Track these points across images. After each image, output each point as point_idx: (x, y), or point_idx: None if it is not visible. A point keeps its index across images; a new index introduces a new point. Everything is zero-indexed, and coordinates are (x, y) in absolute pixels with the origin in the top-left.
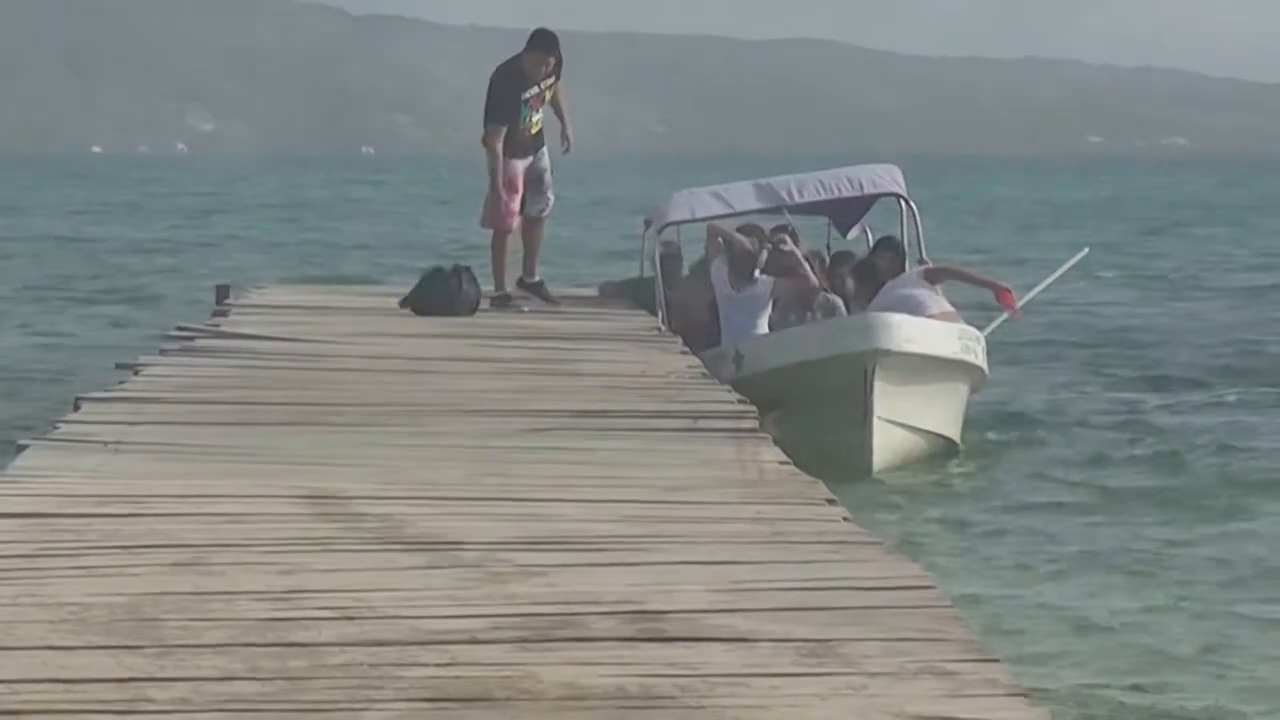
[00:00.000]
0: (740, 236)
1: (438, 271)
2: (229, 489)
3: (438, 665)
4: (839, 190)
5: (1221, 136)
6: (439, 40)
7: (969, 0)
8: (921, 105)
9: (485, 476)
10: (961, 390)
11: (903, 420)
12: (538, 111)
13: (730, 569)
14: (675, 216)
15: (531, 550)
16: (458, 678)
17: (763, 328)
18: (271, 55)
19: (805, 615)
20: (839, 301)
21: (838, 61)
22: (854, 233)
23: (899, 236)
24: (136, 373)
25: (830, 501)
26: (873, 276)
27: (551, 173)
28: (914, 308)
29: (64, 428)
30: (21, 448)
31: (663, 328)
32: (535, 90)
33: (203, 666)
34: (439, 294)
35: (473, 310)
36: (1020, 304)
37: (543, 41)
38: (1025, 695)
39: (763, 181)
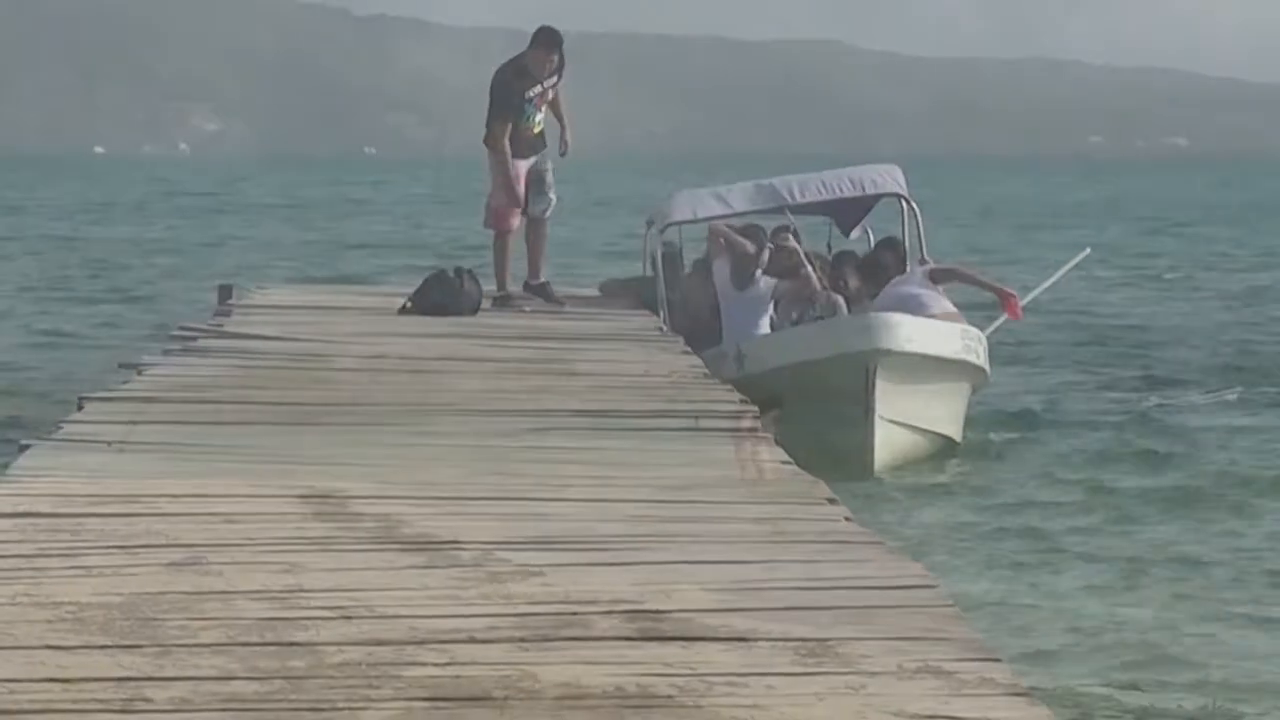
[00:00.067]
0: (741, 238)
1: (440, 273)
2: (231, 489)
3: (436, 665)
4: (840, 190)
5: (1222, 136)
6: (442, 41)
7: (973, 1)
8: (923, 105)
9: (486, 476)
10: (963, 390)
11: (904, 420)
12: (540, 111)
13: (731, 568)
14: (677, 216)
15: (532, 550)
16: (456, 677)
17: (764, 327)
18: (274, 56)
19: (806, 615)
20: (841, 301)
21: (839, 61)
22: (856, 233)
23: (900, 237)
24: (139, 372)
25: (832, 501)
26: (876, 274)
27: (553, 173)
28: (916, 307)
29: (67, 427)
30: (25, 447)
31: (664, 327)
32: (539, 89)
33: (201, 666)
34: (441, 294)
35: (475, 310)
36: (1022, 304)
37: (547, 38)
38: (1027, 695)
39: (764, 182)
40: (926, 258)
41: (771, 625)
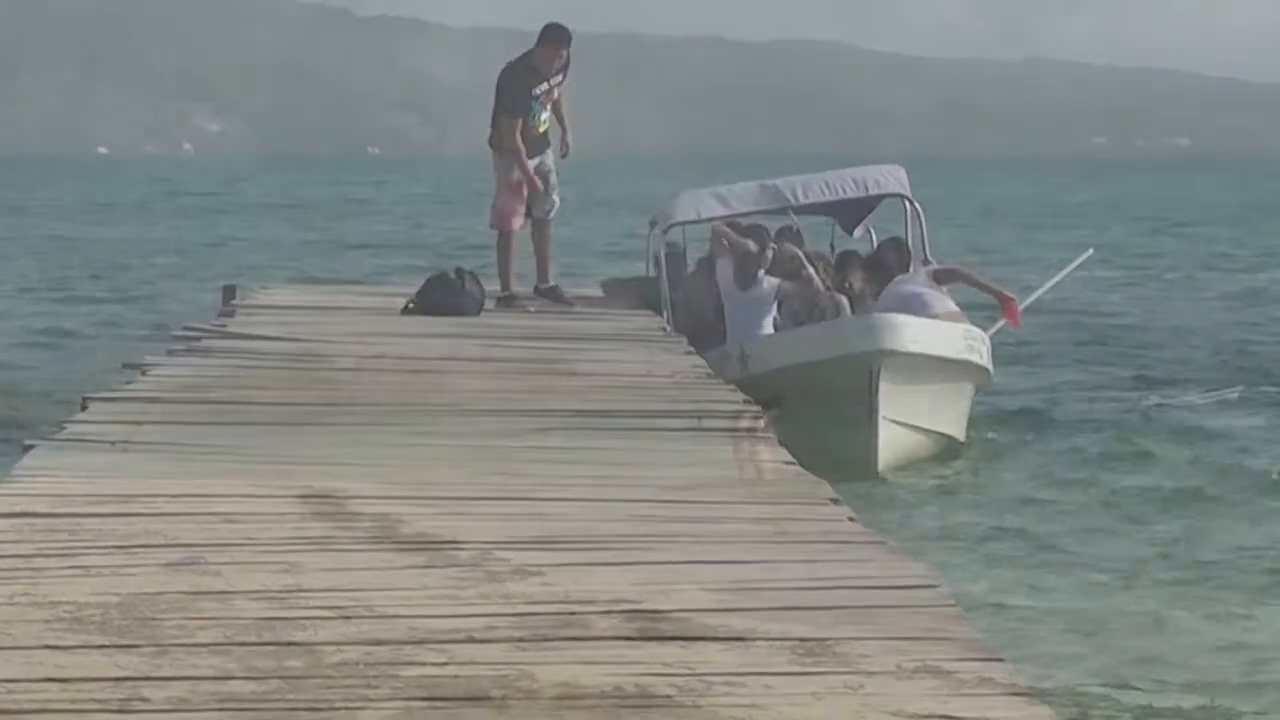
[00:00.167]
0: (744, 240)
1: (442, 274)
2: (231, 489)
3: (434, 665)
4: (843, 191)
5: (1222, 137)
6: (445, 41)
7: (974, 2)
8: (924, 106)
9: (488, 476)
10: (966, 390)
11: (907, 420)
12: (546, 110)
13: (733, 568)
14: (680, 217)
15: (531, 550)
16: (454, 677)
17: (767, 328)
18: (276, 56)
19: (807, 615)
20: (844, 301)
21: (840, 62)
22: (858, 232)
23: (903, 237)
24: (143, 373)
25: (835, 501)
26: (880, 274)
27: (556, 173)
28: (919, 306)
29: (71, 427)
30: (28, 447)
31: (668, 327)
32: (545, 86)
33: (199, 666)
34: (444, 295)
35: (478, 310)
36: (1025, 304)
37: (555, 35)
38: (1029, 694)
39: (768, 182)
40: (929, 258)
41: (772, 625)
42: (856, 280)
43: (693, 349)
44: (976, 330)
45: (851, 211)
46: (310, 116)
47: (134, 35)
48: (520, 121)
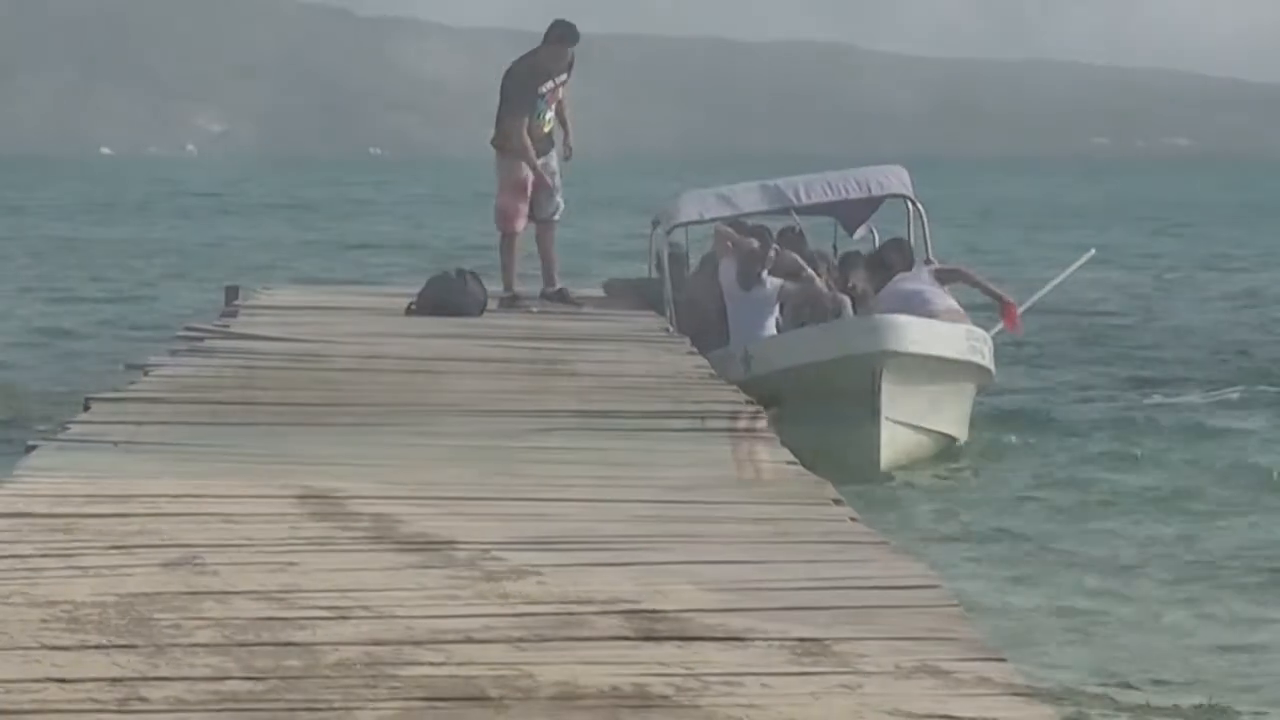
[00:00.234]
0: (747, 240)
1: (445, 274)
2: (232, 489)
3: (433, 665)
4: (846, 192)
5: (1223, 137)
6: (448, 42)
7: (974, 2)
8: (924, 106)
9: (489, 477)
10: (968, 391)
11: (910, 421)
12: (551, 109)
13: (735, 568)
14: (684, 217)
15: (533, 550)
16: (453, 677)
17: (770, 328)
18: (279, 57)
19: (810, 615)
20: (847, 302)
21: (841, 63)
22: (860, 232)
23: (906, 238)
24: (146, 373)
25: (837, 501)
26: (883, 273)
27: (560, 175)
28: (920, 303)
29: (74, 428)
30: (31, 448)
31: (670, 328)
32: (550, 85)
33: (197, 666)
34: (447, 295)
35: (480, 311)
36: (1027, 305)
37: (562, 32)
38: (1031, 694)
39: (770, 183)
40: (932, 258)
41: (773, 625)
42: (860, 281)
43: (695, 349)
44: (979, 331)
45: (854, 212)
46: (312, 117)
47: (136, 36)
48: (526, 120)
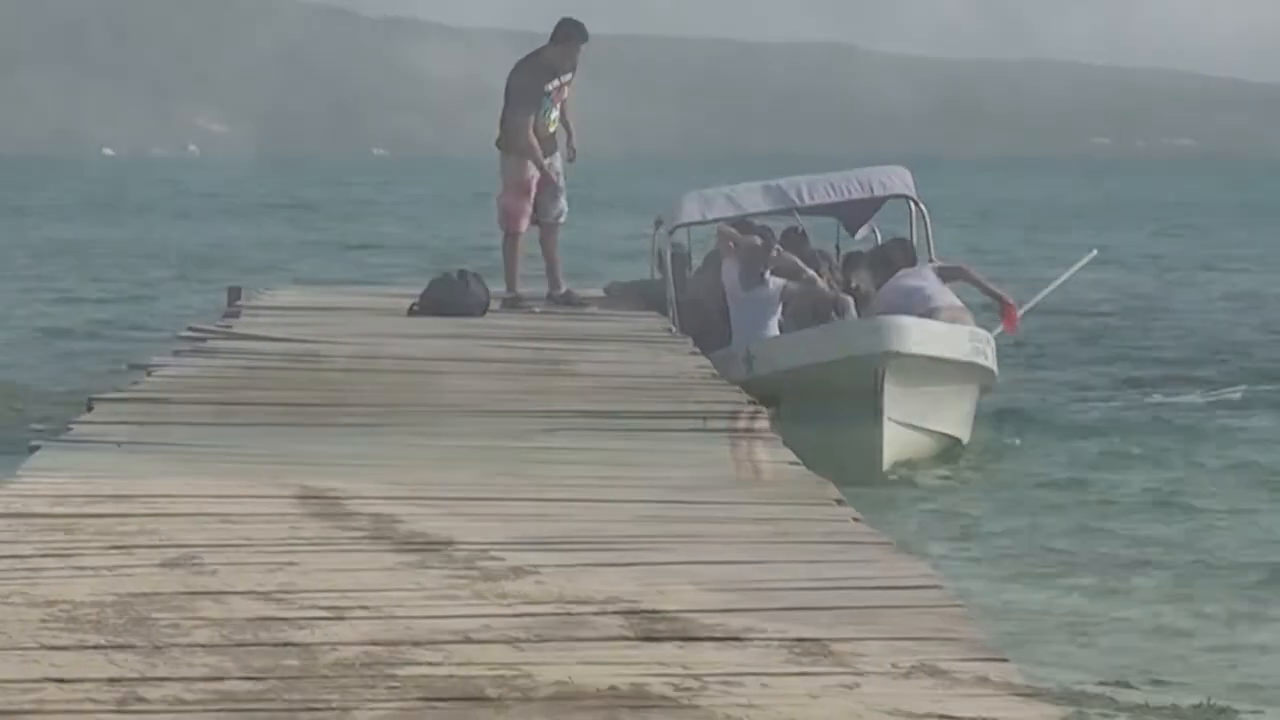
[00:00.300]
0: (750, 238)
1: (447, 275)
2: (233, 489)
3: (431, 664)
4: (849, 192)
5: (1224, 137)
6: (452, 43)
7: (974, 3)
8: (926, 107)
9: (493, 477)
10: (971, 392)
11: (912, 422)
12: (556, 108)
13: (738, 569)
14: (687, 218)
15: (536, 551)
16: (451, 677)
17: (773, 329)
18: (283, 57)
19: (813, 615)
20: (850, 302)
21: (843, 64)
22: (863, 232)
23: (909, 238)
24: (149, 373)
25: (839, 502)
26: (886, 268)
27: (564, 177)
28: (921, 300)
29: (76, 428)
30: (34, 448)
31: (673, 328)
32: (556, 84)
33: (195, 665)
34: (449, 295)
35: (483, 311)
36: (1030, 306)
37: (571, 30)
38: (1033, 694)
39: (773, 183)
40: (935, 258)
41: (776, 625)
42: (863, 281)
43: (697, 350)
44: (982, 332)
45: (856, 212)
46: (315, 118)
47: (138, 37)
48: (532, 118)
